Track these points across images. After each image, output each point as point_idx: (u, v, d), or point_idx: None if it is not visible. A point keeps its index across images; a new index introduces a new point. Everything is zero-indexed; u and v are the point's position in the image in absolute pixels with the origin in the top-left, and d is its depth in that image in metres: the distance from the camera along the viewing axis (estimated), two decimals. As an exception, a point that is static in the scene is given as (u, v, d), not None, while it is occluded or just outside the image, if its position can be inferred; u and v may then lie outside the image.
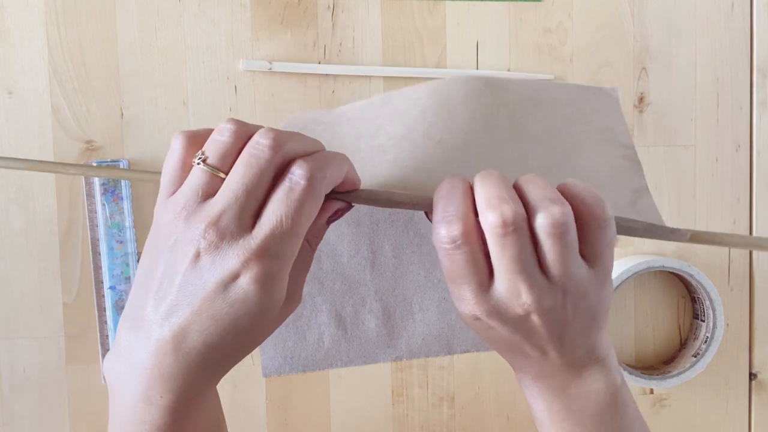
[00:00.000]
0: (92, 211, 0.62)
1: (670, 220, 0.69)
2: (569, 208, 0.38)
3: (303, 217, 0.37)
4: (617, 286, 0.65)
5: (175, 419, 0.38)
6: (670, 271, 0.66)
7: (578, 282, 0.39)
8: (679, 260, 0.66)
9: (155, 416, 0.38)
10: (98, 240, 0.62)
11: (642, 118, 0.68)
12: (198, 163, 0.38)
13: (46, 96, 0.62)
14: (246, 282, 0.36)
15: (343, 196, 0.40)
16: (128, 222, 0.62)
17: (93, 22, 0.62)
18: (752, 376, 0.70)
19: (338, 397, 0.67)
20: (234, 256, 0.36)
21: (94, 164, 0.61)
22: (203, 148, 0.39)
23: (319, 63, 0.64)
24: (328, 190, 0.39)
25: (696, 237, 0.42)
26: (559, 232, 0.37)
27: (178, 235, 0.37)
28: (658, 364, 0.70)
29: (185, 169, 0.39)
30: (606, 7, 0.67)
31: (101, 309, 0.62)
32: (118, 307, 0.62)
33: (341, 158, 0.39)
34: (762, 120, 0.69)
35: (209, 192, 0.37)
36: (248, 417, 0.66)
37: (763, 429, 0.71)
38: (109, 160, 0.62)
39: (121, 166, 0.62)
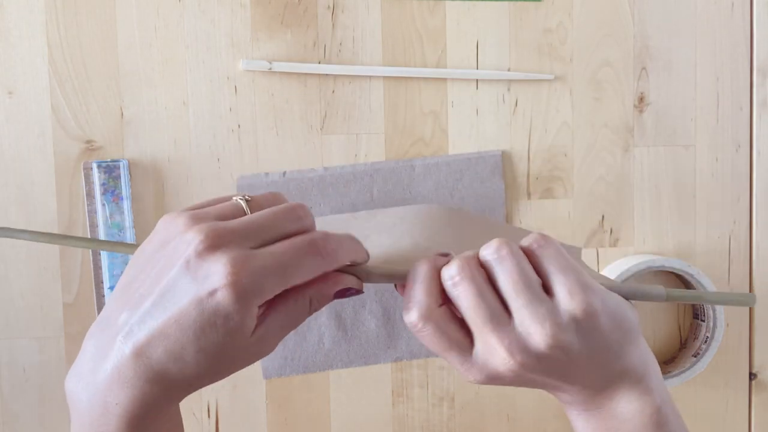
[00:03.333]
0: (92, 211, 0.62)
1: (670, 220, 0.69)
2: (510, 244, 0.39)
3: (300, 271, 0.38)
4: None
5: (129, 431, 0.37)
6: (670, 271, 0.66)
7: (545, 315, 0.38)
8: (679, 260, 0.66)
9: (109, 427, 0.37)
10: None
11: (642, 118, 0.68)
12: (240, 199, 0.39)
13: (46, 96, 0.62)
14: (222, 294, 0.35)
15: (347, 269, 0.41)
16: (128, 222, 0.62)
17: (93, 22, 0.62)
18: (752, 376, 0.70)
19: (338, 397, 0.67)
20: (222, 265, 0.35)
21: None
22: (250, 195, 0.40)
23: (319, 63, 0.64)
24: (337, 266, 0.39)
25: (671, 296, 0.42)
26: (499, 255, 0.39)
27: (179, 236, 0.37)
28: (659, 363, 0.70)
29: (219, 202, 0.40)
30: (606, 7, 0.67)
31: (101, 309, 0.62)
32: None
33: (357, 246, 0.40)
34: (762, 120, 0.69)
35: (229, 218, 0.38)
36: (248, 417, 0.66)
37: (763, 429, 0.71)
38: (109, 160, 0.62)
39: (121, 167, 0.62)
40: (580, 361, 0.40)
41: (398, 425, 0.67)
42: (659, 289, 0.42)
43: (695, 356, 0.68)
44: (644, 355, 0.43)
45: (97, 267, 0.62)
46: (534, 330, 0.38)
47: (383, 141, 0.66)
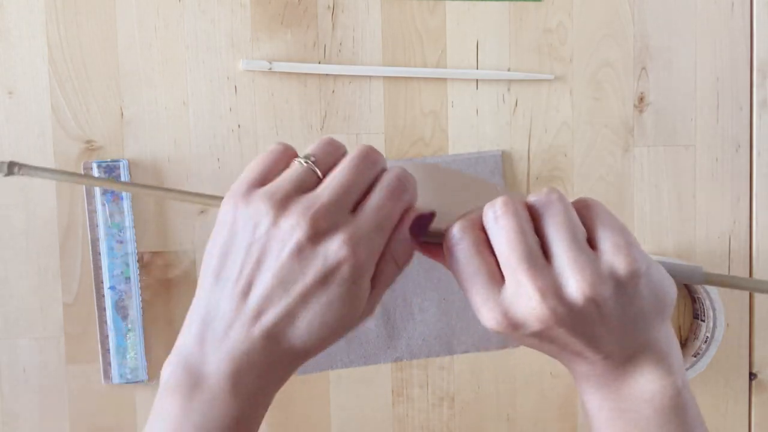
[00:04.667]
0: (92, 211, 0.62)
1: (670, 220, 0.69)
2: (560, 192, 0.39)
3: (396, 212, 0.38)
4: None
5: (254, 410, 0.38)
6: (670, 271, 0.66)
7: (586, 264, 0.36)
8: (679, 260, 0.66)
9: (238, 409, 0.37)
10: (98, 240, 0.62)
11: (642, 118, 0.68)
12: (305, 162, 0.39)
13: (46, 96, 0.62)
14: (347, 270, 0.36)
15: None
16: (128, 222, 0.62)
17: (93, 22, 0.62)
18: (752, 376, 0.70)
19: (338, 397, 0.67)
20: (337, 245, 0.36)
21: (96, 165, 0.61)
22: (310, 152, 0.39)
23: (319, 63, 0.64)
24: (414, 199, 0.40)
25: (709, 279, 0.41)
26: (548, 199, 0.38)
27: (273, 223, 0.36)
28: (658, 364, 0.70)
29: (279, 166, 0.39)
30: (606, 7, 0.67)
31: (101, 309, 0.62)
32: (118, 307, 0.62)
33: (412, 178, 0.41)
34: (762, 120, 0.69)
35: (307, 188, 0.38)
36: (248, 417, 0.66)
37: (763, 429, 0.71)
38: (109, 160, 0.62)
39: (121, 167, 0.62)
40: (611, 324, 0.37)
41: (398, 425, 0.67)
42: (698, 269, 0.40)
43: (695, 356, 0.68)
44: (670, 336, 0.41)
45: (97, 267, 0.62)
46: (573, 277, 0.36)
47: (383, 141, 0.66)
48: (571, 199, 0.40)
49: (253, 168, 0.39)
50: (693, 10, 0.68)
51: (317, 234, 0.36)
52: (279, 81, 0.64)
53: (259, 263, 0.37)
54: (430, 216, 0.41)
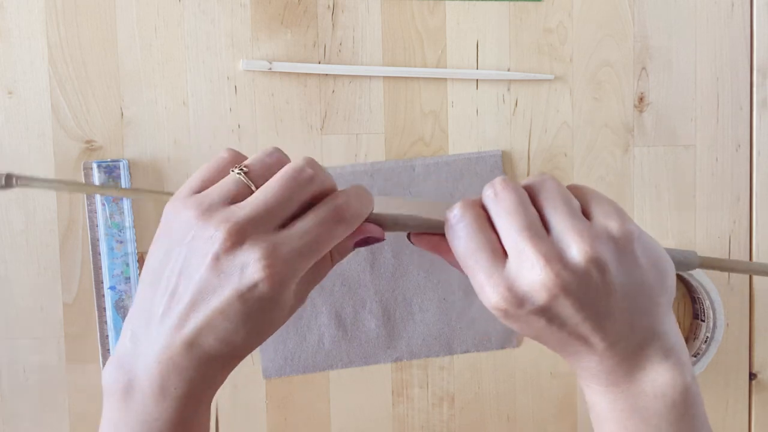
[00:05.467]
0: (92, 211, 0.62)
1: (670, 220, 0.69)
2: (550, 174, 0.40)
3: (331, 242, 0.38)
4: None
5: (188, 412, 0.39)
6: (670, 271, 0.66)
7: (586, 229, 0.37)
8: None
9: (170, 410, 0.38)
10: (98, 240, 0.62)
11: (642, 118, 0.68)
12: (238, 172, 0.39)
13: (46, 96, 0.62)
14: (263, 285, 0.36)
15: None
16: (128, 222, 0.62)
17: (93, 22, 0.62)
18: (752, 376, 0.70)
19: (338, 397, 0.67)
20: (256, 259, 0.36)
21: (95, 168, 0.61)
22: (247, 163, 0.39)
23: (319, 63, 0.64)
24: (359, 223, 0.40)
25: (704, 263, 0.41)
26: (542, 178, 0.39)
27: (196, 232, 0.37)
28: (658, 364, 0.70)
29: (220, 175, 0.40)
30: (606, 7, 0.67)
31: (101, 309, 0.62)
32: (118, 307, 0.62)
33: (369, 195, 0.41)
34: (762, 120, 0.69)
35: (236, 199, 0.38)
36: (248, 417, 0.66)
37: (763, 429, 0.71)
38: (109, 160, 0.62)
39: (121, 167, 0.62)
40: (616, 295, 0.37)
41: (398, 425, 0.67)
42: (692, 253, 0.41)
43: (695, 356, 0.68)
44: (676, 328, 0.40)
45: (97, 267, 0.62)
46: (573, 240, 0.37)
47: (383, 141, 0.66)
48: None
49: (197, 174, 0.40)
50: (693, 10, 0.68)
51: (234, 245, 0.36)
52: (279, 81, 0.64)
53: (183, 271, 0.37)
54: (380, 240, 0.41)
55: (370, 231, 0.41)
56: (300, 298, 0.40)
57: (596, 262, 0.37)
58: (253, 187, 0.38)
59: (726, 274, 0.70)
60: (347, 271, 0.66)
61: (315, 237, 0.37)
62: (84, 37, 0.62)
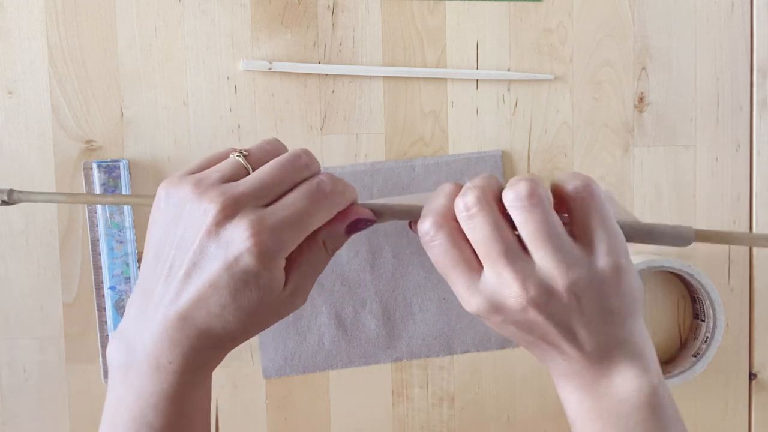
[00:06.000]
0: (92, 211, 0.62)
1: (670, 220, 0.69)
2: (538, 183, 0.38)
3: (316, 217, 0.39)
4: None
5: (184, 388, 0.39)
6: (670, 271, 0.66)
7: (570, 264, 0.37)
8: (679, 260, 0.66)
9: (164, 385, 0.39)
10: (98, 240, 0.62)
11: (642, 118, 0.68)
12: (237, 155, 0.40)
13: (46, 96, 0.62)
14: (248, 256, 0.37)
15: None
16: (128, 222, 0.62)
17: (93, 22, 0.62)
18: (752, 376, 0.70)
19: (338, 397, 0.67)
20: (243, 230, 0.37)
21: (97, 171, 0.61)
22: (247, 148, 0.41)
23: (319, 63, 0.64)
24: (342, 205, 0.41)
25: (701, 235, 0.41)
26: (526, 204, 0.37)
27: (191, 206, 0.38)
28: (659, 364, 0.70)
29: (218, 161, 0.41)
30: (606, 7, 0.67)
31: (101, 309, 0.62)
32: (118, 307, 0.62)
33: (352, 186, 0.41)
34: (762, 120, 0.69)
35: (232, 178, 0.39)
36: (248, 417, 0.66)
37: (763, 429, 0.71)
38: (109, 160, 0.62)
39: (121, 167, 0.62)
40: (589, 315, 0.38)
41: (398, 425, 0.67)
42: (688, 229, 0.40)
43: (695, 356, 0.68)
44: (644, 334, 0.42)
45: (97, 267, 0.62)
46: (553, 271, 0.37)
47: (383, 141, 0.66)
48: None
49: (195, 162, 0.41)
50: (693, 10, 0.68)
51: (225, 218, 0.37)
52: (279, 81, 0.64)
53: (180, 245, 0.38)
54: (372, 221, 0.41)
55: (359, 212, 0.41)
56: (298, 289, 0.40)
57: (572, 291, 0.38)
58: (251, 170, 0.40)
59: (726, 274, 0.70)
60: (347, 271, 0.66)
61: (300, 209, 0.38)
62: (84, 37, 0.62)
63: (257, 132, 0.64)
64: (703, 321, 0.68)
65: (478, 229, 0.38)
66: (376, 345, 0.67)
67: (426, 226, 0.39)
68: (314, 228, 0.39)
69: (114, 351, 0.40)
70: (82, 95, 0.62)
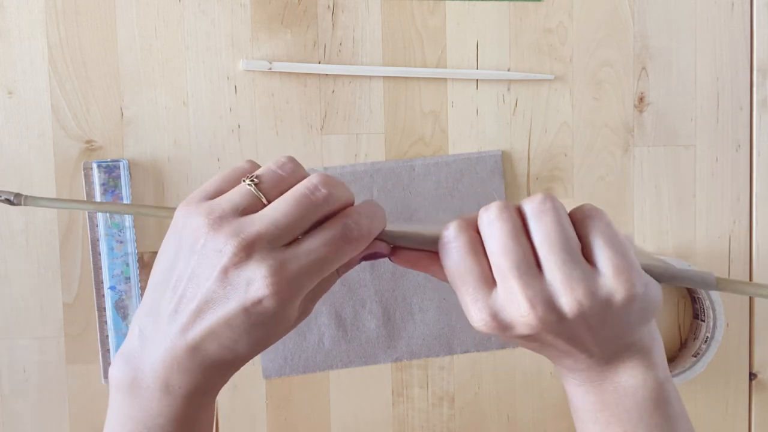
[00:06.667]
0: (92, 211, 0.62)
1: (670, 220, 0.69)
2: (555, 197, 0.38)
3: (338, 262, 0.38)
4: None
5: (191, 410, 0.39)
6: (670, 271, 0.66)
7: (578, 279, 0.37)
8: (679, 260, 0.66)
9: (173, 407, 0.39)
10: (98, 240, 0.62)
11: (642, 118, 0.68)
12: (249, 184, 0.38)
13: (46, 96, 0.62)
14: (267, 301, 0.36)
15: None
16: (128, 222, 0.62)
17: (93, 22, 0.62)
18: (752, 376, 0.70)
19: (338, 398, 0.67)
20: (263, 275, 0.36)
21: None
22: (258, 173, 0.39)
23: (319, 63, 0.64)
24: (369, 242, 0.39)
25: (722, 284, 0.40)
26: (538, 208, 0.37)
27: (206, 241, 0.37)
28: (658, 364, 0.70)
29: (235, 185, 0.39)
30: (606, 7, 0.67)
31: (101, 309, 0.62)
32: (118, 307, 0.62)
33: (382, 211, 0.40)
34: (762, 120, 0.69)
35: (247, 211, 0.38)
36: (248, 417, 0.66)
37: (763, 429, 0.71)
38: (109, 160, 0.62)
39: (121, 167, 0.62)
40: (598, 333, 0.38)
41: (398, 425, 0.67)
42: (710, 276, 0.40)
43: (695, 356, 0.68)
44: (652, 331, 0.41)
45: (97, 267, 0.62)
46: (564, 292, 0.36)
47: (383, 141, 0.66)
48: (569, 201, 0.40)
49: (213, 181, 0.40)
50: (693, 10, 0.68)
51: (242, 260, 0.36)
52: (279, 81, 0.64)
53: (192, 277, 0.37)
54: (386, 256, 0.41)
55: (377, 247, 0.40)
56: (305, 312, 0.41)
57: (583, 317, 0.37)
58: (264, 200, 0.38)
59: (726, 274, 0.70)
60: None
61: (322, 256, 0.37)
62: (84, 37, 0.62)
63: (257, 132, 0.64)
64: (703, 321, 0.68)
65: (495, 237, 0.37)
66: (376, 345, 0.67)
67: (449, 228, 0.39)
68: (335, 269, 0.39)
69: (119, 371, 0.40)
70: (82, 95, 0.62)
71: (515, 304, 0.37)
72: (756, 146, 0.69)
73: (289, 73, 0.64)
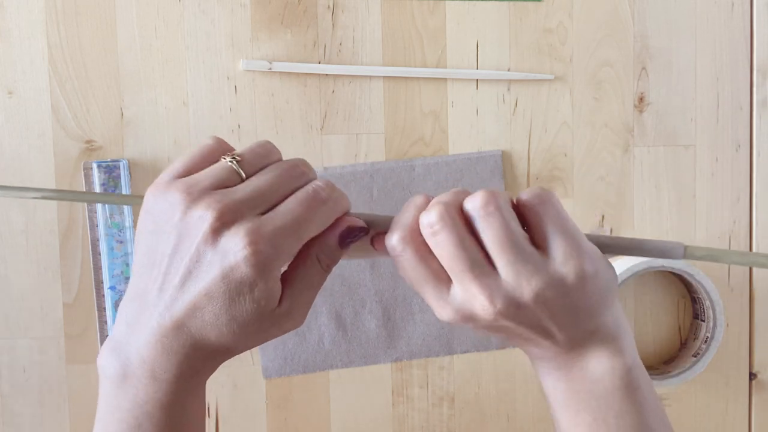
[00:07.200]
0: (92, 211, 0.62)
1: (670, 220, 0.69)
2: (497, 193, 0.39)
3: (313, 224, 0.39)
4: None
5: (178, 396, 0.39)
6: (670, 271, 0.66)
7: (532, 272, 0.38)
8: (679, 260, 0.66)
9: (159, 394, 0.39)
10: (98, 240, 0.62)
11: (642, 118, 0.68)
12: (230, 161, 0.39)
13: (46, 96, 0.62)
14: (245, 266, 0.36)
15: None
16: (128, 222, 0.62)
17: (93, 22, 0.62)
18: (752, 376, 0.70)
19: (338, 397, 0.67)
20: (240, 238, 0.36)
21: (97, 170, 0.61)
22: (239, 152, 0.40)
23: (319, 63, 0.64)
24: (338, 212, 0.40)
25: (690, 253, 0.41)
26: (482, 213, 0.38)
27: (185, 213, 0.37)
28: (658, 364, 0.70)
29: (206, 162, 0.40)
30: (606, 7, 0.67)
31: (101, 309, 0.62)
32: (118, 307, 0.62)
33: (346, 196, 0.41)
34: (762, 120, 0.69)
35: (225, 184, 0.38)
36: (248, 417, 0.66)
37: (763, 429, 0.71)
38: (109, 160, 0.62)
39: (121, 167, 0.62)
40: (559, 317, 0.39)
41: (398, 425, 0.67)
42: (679, 246, 0.40)
43: (695, 356, 0.68)
44: (618, 317, 0.42)
45: (97, 267, 0.62)
46: (519, 285, 0.38)
47: (383, 141, 0.66)
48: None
49: (180, 160, 0.40)
50: (693, 10, 0.68)
51: (223, 225, 0.37)
52: (279, 81, 0.64)
53: (174, 253, 0.38)
54: (364, 229, 0.41)
55: (349, 221, 0.41)
56: (297, 311, 0.40)
57: (538, 300, 0.38)
58: (244, 176, 0.39)
59: (726, 274, 0.70)
60: (347, 271, 0.66)
61: (296, 216, 0.38)
62: (84, 37, 0.62)
63: (257, 132, 0.64)
64: (703, 321, 0.68)
65: (442, 246, 0.38)
66: (376, 345, 0.67)
67: (393, 241, 0.39)
68: (311, 235, 0.39)
69: (107, 360, 0.40)
70: (82, 95, 0.62)
71: (474, 300, 0.38)
72: (756, 146, 0.69)
73: (289, 73, 0.64)
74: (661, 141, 0.69)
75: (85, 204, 0.62)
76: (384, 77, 0.65)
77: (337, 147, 0.65)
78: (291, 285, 0.39)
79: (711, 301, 0.66)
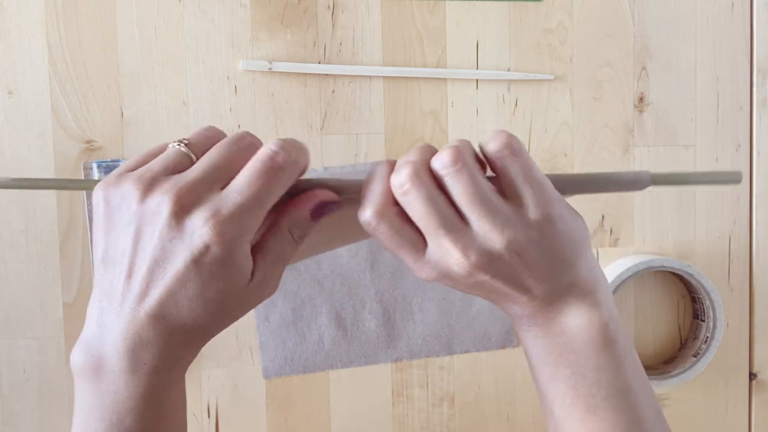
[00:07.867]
0: (92, 211, 0.62)
1: (670, 220, 0.69)
2: (462, 148, 0.39)
3: (273, 193, 0.38)
4: (617, 287, 0.65)
5: (159, 388, 0.39)
6: (670, 271, 0.66)
7: (503, 224, 0.39)
8: (679, 260, 0.66)
9: (141, 386, 0.38)
10: (98, 240, 0.62)
11: (642, 118, 0.68)
12: (178, 145, 0.39)
13: (46, 96, 0.62)
14: (213, 247, 0.36)
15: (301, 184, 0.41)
16: (128, 222, 0.62)
17: (93, 22, 0.62)
18: (752, 376, 0.70)
19: (338, 397, 0.67)
20: (203, 220, 0.36)
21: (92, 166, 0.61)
22: (187, 137, 0.40)
23: (319, 63, 0.64)
24: (296, 173, 0.40)
25: (658, 179, 0.41)
26: (451, 170, 0.38)
27: (141, 204, 0.37)
28: (658, 364, 0.70)
29: (155, 156, 0.40)
30: (606, 7, 0.67)
31: (101, 309, 0.62)
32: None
33: (302, 143, 0.41)
34: (762, 120, 0.69)
35: (177, 169, 0.38)
36: (248, 417, 0.66)
37: (763, 429, 0.71)
38: (109, 160, 0.62)
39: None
40: (533, 267, 0.40)
41: (398, 425, 0.67)
42: (645, 173, 0.41)
43: (695, 356, 0.68)
44: (593, 270, 0.42)
45: (97, 267, 0.62)
46: (491, 236, 0.38)
47: (383, 141, 0.66)
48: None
49: (132, 159, 0.40)
50: (693, 10, 0.68)
51: (182, 209, 0.36)
52: (279, 81, 0.64)
53: (136, 244, 0.37)
54: (336, 203, 0.41)
55: (321, 195, 0.41)
56: (268, 282, 0.40)
57: (511, 249, 0.39)
58: (194, 158, 0.39)
59: (726, 274, 0.70)
60: (347, 271, 0.66)
61: (255, 189, 0.38)
62: (84, 37, 0.62)
63: (257, 132, 0.64)
64: (703, 321, 0.68)
65: (413, 205, 0.39)
66: (376, 345, 0.67)
67: (367, 216, 0.39)
68: (273, 202, 0.39)
69: (80, 358, 0.39)
70: (82, 95, 0.62)
71: (449, 255, 0.39)
72: (756, 146, 0.69)
73: (289, 73, 0.64)
74: (661, 141, 0.69)
75: (85, 204, 0.62)
76: (384, 77, 0.65)
77: (337, 147, 0.65)
78: (263, 257, 0.39)
79: (711, 300, 0.66)
